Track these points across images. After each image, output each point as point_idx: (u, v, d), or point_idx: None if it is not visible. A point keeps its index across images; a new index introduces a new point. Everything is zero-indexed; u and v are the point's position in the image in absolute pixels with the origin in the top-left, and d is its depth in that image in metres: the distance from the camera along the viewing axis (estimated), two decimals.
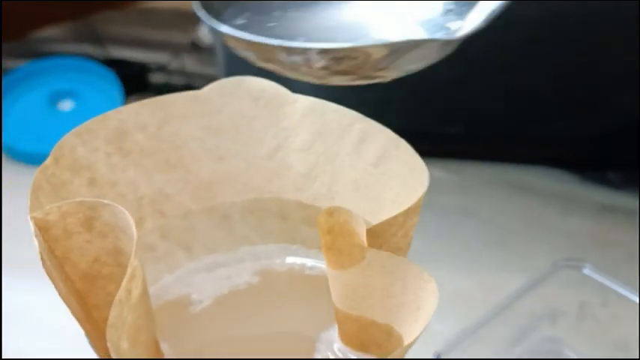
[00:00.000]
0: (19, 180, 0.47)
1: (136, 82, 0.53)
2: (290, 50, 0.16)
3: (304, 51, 0.16)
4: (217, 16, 0.17)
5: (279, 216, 0.24)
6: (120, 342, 0.15)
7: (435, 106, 0.51)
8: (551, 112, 0.52)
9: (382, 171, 0.22)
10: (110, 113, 0.21)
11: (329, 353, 0.21)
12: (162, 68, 0.56)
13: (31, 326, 0.36)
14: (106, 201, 0.17)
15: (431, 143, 0.54)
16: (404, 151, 0.21)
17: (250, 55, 0.18)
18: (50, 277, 0.16)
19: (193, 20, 0.61)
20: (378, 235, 0.19)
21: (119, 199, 0.22)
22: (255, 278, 0.24)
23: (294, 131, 0.23)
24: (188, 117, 0.23)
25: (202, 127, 0.23)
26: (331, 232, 0.19)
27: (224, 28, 0.16)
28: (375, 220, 0.20)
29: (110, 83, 0.52)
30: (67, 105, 0.53)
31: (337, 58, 0.16)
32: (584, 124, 0.52)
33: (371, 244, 0.19)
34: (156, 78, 0.56)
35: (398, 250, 0.20)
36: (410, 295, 0.19)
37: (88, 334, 0.18)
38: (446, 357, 0.30)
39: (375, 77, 0.17)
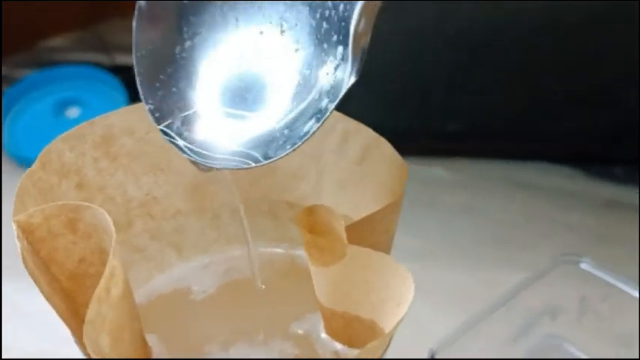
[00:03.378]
0: None
1: None
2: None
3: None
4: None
5: (269, 215, 0.25)
6: (99, 338, 0.16)
7: (437, 104, 0.51)
8: (555, 108, 0.52)
9: (365, 169, 0.22)
10: (97, 119, 0.22)
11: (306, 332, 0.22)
12: None
13: (31, 326, 0.37)
14: (86, 203, 0.18)
15: (433, 141, 0.54)
16: (384, 149, 0.22)
17: None
18: (33, 278, 0.17)
19: None
20: (358, 232, 0.19)
21: (108, 202, 0.22)
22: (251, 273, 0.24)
23: None
24: None
25: None
26: (312, 230, 0.20)
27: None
28: (358, 217, 0.20)
29: (116, 90, 0.53)
30: (73, 112, 0.54)
31: None
32: (588, 120, 0.52)
33: (351, 241, 0.19)
34: None
35: (379, 245, 0.20)
36: (391, 291, 0.19)
37: (74, 332, 0.18)
38: (442, 354, 0.31)
39: None
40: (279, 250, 0.25)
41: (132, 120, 0.22)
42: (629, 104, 0.50)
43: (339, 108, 0.23)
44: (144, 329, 0.21)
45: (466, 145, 0.54)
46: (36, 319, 0.39)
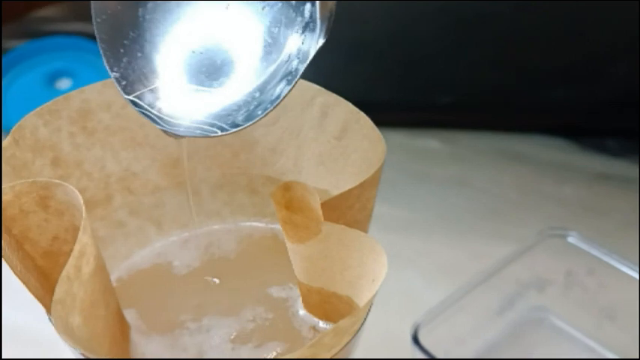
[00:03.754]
0: None
1: None
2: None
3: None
4: None
5: (248, 190, 0.25)
6: (69, 318, 0.16)
7: (428, 76, 0.51)
8: (547, 80, 0.51)
9: (344, 144, 0.22)
10: (73, 93, 0.22)
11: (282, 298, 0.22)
12: None
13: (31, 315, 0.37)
14: (57, 181, 0.17)
15: (425, 113, 0.54)
16: (364, 124, 0.21)
17: None
18: (3, 256, 0.17)
19: None
20: (335, 208, 0.19)
21: (85, 178, 0.22)
22: (232, 247, 0.24)
23: None
24: None
25: None
26: (288, 206, 0.19)
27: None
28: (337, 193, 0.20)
29: None
30: (64, 84, 0.53)
31: None
32: (581, 92, 0.52)
33: (328, 218, 0.19)
34: None
35: (356, 222, 0.20)
36: (366, 267, 0.19)
37: (49, 311, 0.18)
38: (426, 327, 0.31)
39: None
40: (259, 225, 0.25)
41: (108, 94, 0.22)
42: (622, 76, 0.50)
43: (320, 82, 0.23)
44: (123, 304, 0.21)
45: (458, 117, 0.53)
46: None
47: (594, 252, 0.35)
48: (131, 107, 0.19)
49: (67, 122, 0.21)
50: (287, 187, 0.19)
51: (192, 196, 0.24)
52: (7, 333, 0.39)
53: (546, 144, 0.55)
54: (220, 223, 0.25)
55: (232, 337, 0.21)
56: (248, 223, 0.25)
